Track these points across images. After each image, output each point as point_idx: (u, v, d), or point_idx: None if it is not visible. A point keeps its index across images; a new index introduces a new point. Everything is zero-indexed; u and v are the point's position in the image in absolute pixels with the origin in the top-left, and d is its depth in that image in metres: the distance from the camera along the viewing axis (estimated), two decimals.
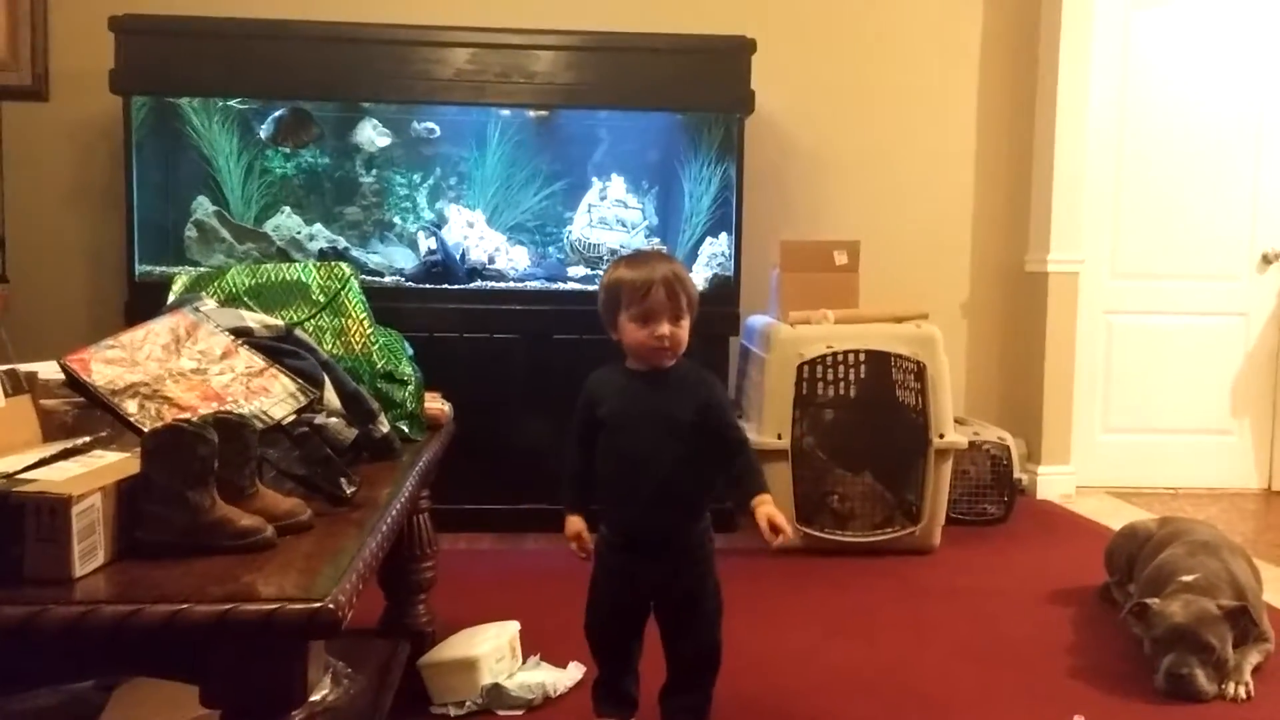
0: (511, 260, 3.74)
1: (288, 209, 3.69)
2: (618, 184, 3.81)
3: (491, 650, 2.15)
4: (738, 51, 3.53)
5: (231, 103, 3.63)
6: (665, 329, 1.81)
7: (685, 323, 1.84)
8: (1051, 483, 4.21)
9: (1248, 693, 2.20)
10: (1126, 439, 4.39)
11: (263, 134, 3.65)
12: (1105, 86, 4.22)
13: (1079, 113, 4.15)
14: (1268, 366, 4.40)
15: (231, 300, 1.91)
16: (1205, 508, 4.07)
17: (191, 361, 1.51)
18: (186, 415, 1.35)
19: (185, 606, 1.07)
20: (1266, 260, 4.35)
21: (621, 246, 3.75)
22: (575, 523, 1.91)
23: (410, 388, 2.01)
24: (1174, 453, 4.39)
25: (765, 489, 1.85)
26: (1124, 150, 4.29)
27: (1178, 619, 2.23)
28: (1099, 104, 4.21)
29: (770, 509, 1.81)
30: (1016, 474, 3.79)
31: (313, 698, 1.68)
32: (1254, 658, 2.30)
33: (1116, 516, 3.70)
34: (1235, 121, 4.30)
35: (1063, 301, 4.18)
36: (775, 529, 1.77)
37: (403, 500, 1.57)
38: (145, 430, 1.29)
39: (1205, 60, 4.27)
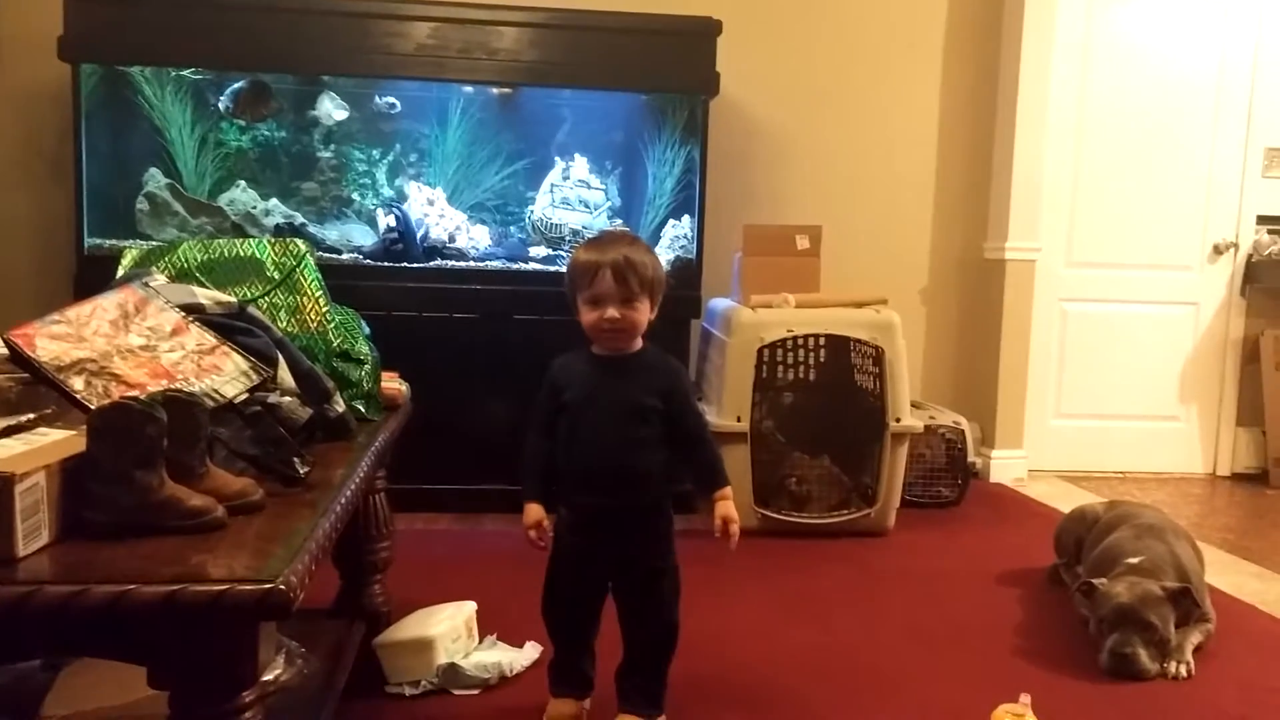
0: (472, 239, 3.71)
1: (243, 183, 3.63)
2: (580, 164, 3.79)
3: (447, 630, 2.15)
4: (703, 33, 3.52)
5: (185, 73, 3.55)
6: (612, 312, 1.80)
7: (640, 306, 1.82)
8: (1005, 466, 4.27)
9: (1189, 671, 2.25)
10: (1078, 424, 4.46)
11: (221, 106, 3.58)
12: (1066, 78, 4.27)
13: (1039, 104, 4.18)
14: (1216, 355, 4.49)
15: (183, 276, 1.87)
16: (1152, 492, 4.15)
17: (140, 338, 1.48)
18: (135, 393, 1.32)
19: (132, 587, 1.05)
20: (1218, 250, 4.43)
21: (584, 227, 3.74)
22: (535, 511, 1.89)
23: (367, 367, 1.99)
24: (1123, 438, 4.47)
25: (726, 482, 1.89)
26: (1082, 141, 4.34)
27: (1122, 599, 2.28)
28: (1059, 95, 4.25)
29: (728, 508, 1.86)
30: (970, 458, 3.84)
31: (265, 677, 1.67)
32: (1195, 638, 2.36)
33: (1067, 500, 3.77)
34: (1191, 116, 4.36)
35: (1019, 289, 4.23)
36: (727, 532, 1.84)
37: (357, 480, 1.56)
38: (92, 408, 1.26)
39: (1164, 54, 4.33)
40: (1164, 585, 2.31)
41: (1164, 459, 4.50)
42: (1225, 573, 3.06)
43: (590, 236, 2.13)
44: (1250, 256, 4.42)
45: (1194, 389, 4.50)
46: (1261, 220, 4.42)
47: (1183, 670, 2.25)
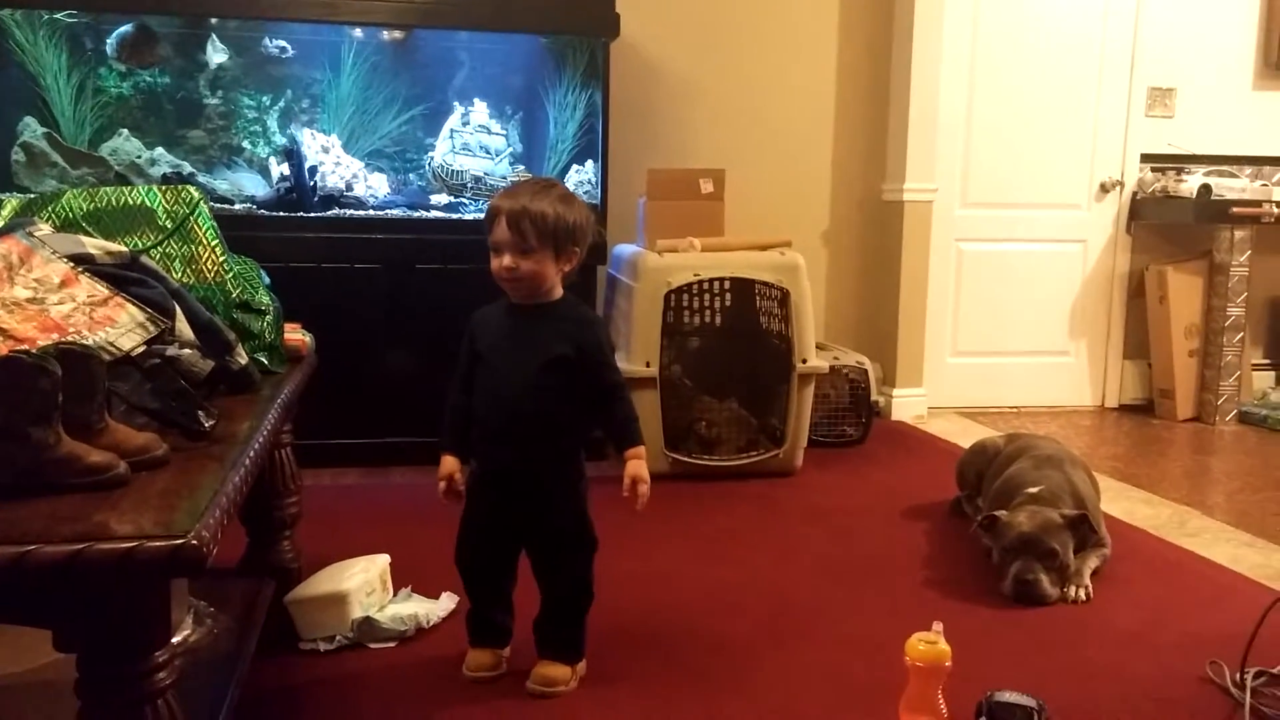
0: (370, 188, 3.60)
1: (126, 131, 3.45)
2: (481, 109, 3.71)
3: (361, 584, 2.12)
4: None
5: (59, 15, 3.34)
6: (507, 260, 1.79)
7: (540, 257, 1.80)
8: (906, 404, 4.39)
9: (1087, 594, 2.36)
10: (974, 361, 4.60)
11: (107, 51, 3.38)
12: (959, 22, 4.33)
13: (934, 48, 4.24)
14: (1103, 291, 4.66)
15: (68, 225, 1.77)
16: (1045, 425, 4.32)
17: (27, 290, 1.40)
18: (24, 347, 1.25)
19: (33, 548, 1.00)
20: (1104, 189, 4.59)
21: (485, 174, 3.67)
22: (448, 463, 1.89)
23: (269, 318, 1.93)
24: (1017, 374, 4.63)
25: (639, 440, 1.88)
26: (975, 85, 4.42)
27: (1024, 528, 2.36)
28: (953, 39, 4.31)
29: (639, 467, 1.85)
30: (873, 397, 3.93)
31: (174, 639, 1.62)
32: (1093, 562, 2.46)
33: (965, 435, 3.90)
34: (1078, 57, 4.48)
35: (917, 229, 4.32)
36: (635, 492, 1.83)
37: (264, 434, 1.51)
38: None
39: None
40: (1062, 513, 2.40)
41: (1055, 393, 4.68)
42: (1117, 500, 3.20)
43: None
44: (1135, 194, 4.59)
45: (1083, 324, 4.68)
46: (1145, 158, 4.59)
47: (1081, 594, 2.35)
